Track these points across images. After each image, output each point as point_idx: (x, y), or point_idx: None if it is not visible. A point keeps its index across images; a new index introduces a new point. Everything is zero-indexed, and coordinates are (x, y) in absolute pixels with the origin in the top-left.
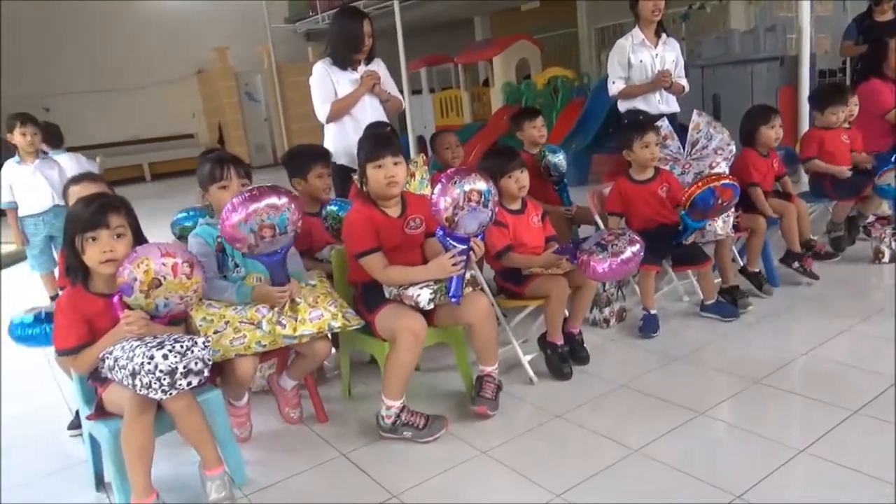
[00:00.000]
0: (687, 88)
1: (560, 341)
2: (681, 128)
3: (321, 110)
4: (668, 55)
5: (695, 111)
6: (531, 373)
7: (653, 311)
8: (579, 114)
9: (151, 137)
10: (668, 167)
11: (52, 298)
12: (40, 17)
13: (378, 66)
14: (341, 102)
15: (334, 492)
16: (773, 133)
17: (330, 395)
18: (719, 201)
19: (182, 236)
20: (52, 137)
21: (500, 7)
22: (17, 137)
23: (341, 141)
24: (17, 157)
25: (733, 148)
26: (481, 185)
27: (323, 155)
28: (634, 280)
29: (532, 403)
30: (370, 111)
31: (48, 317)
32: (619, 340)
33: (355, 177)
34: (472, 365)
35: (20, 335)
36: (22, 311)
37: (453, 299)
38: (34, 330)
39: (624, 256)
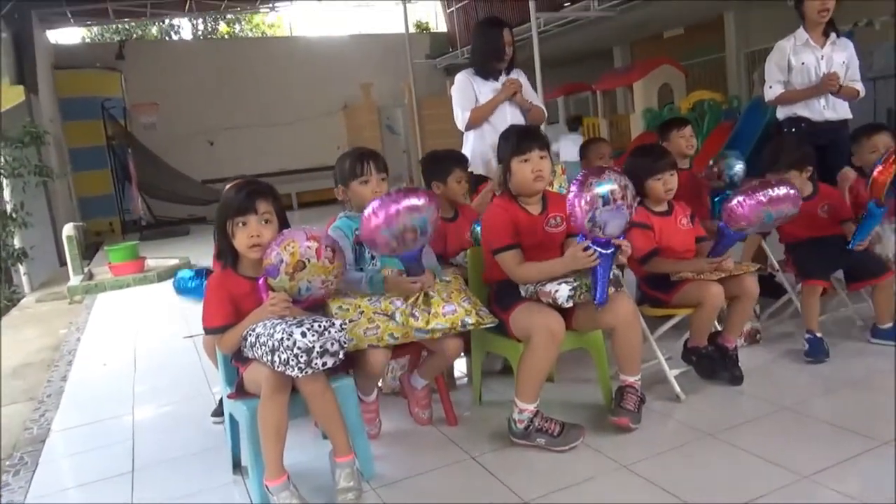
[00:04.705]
0: (863, 93)
1: (703, 343)
2: (851, 137)
3: (460, 118)
4: (836, 56)
5: None
6: (678, 389)
7: (818, 335)
8: (727, 138)
9: (299, 168)
10: None
11: None
12: (206, 59)
13: (518, 76)
14: (481, 109)
15: (463, 492)
16: None
17: (460, 401)
18: None
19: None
20: None
21: (642, 36)
22: None
23: (479, 149)
24: None
25: None
26: (618, 182)
27: (461, 160)
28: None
29: (679, 420)
30: (511, 120)
31: (207, 273)
32: (779, 362)
33: (491, 177)
34: (612, 379)
35: (181, 288)
36: (187, 269)
37: (598, 304)
38: (193, 283)
39: (771, 194)
